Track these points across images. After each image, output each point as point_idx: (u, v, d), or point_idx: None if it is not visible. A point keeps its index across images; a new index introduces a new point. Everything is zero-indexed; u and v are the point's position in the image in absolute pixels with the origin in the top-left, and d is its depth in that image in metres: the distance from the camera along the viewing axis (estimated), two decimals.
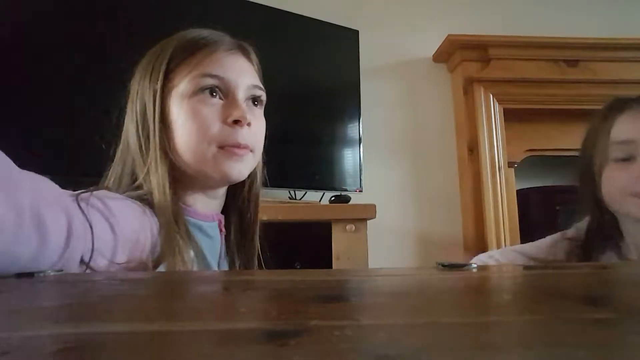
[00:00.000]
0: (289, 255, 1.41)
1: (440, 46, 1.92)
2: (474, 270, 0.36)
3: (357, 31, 1.76)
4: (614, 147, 0.79)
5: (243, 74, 0.64)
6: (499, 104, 1.87)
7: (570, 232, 0.88)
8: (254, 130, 0.63)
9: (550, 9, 2.09)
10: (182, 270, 0.56)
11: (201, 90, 0.60)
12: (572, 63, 1.88)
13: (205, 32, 0.65)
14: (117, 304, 0.25)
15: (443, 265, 0.37)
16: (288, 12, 1.62)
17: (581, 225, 0.87)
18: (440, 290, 0.28)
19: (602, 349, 0.16)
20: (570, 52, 1.88)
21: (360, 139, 1.70)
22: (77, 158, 1.30)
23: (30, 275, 0.35)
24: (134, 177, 0.61)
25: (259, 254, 0.71)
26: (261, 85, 0.68)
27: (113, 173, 0.63)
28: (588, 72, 1.86)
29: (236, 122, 0.60)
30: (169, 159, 0.59)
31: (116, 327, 0.19)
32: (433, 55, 1.97)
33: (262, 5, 1.59)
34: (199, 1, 1.50)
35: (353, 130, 1.71)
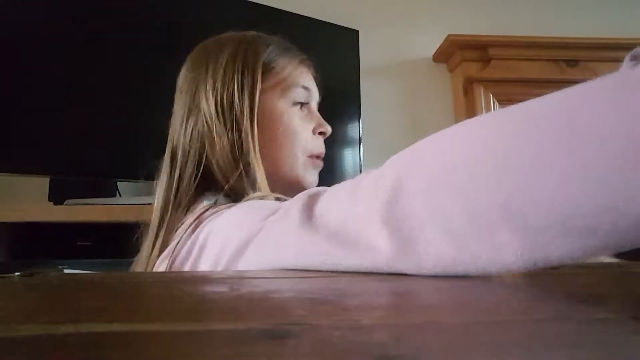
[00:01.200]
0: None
1: (440, 46, 1.92)
2: None
3: (357, 31, 1.77)
4: None
5: (316, 88, 0.66)
6: (499, 104, 1.87)
7: None
8: None
9: (550, 9, 2.09)
10: (181, 270, 0.56)
11: (295, 100, 0.61)
12: (572, 63, 1.89)
13: (290, 44, 0.66)
14: (118, 304, 0.25)
15: None
16: (288, 12, 1.62)
17: None
18: (441, 290, 0.28)
19: (602, 349, 0.16)
20: (570, 52, 1.88)
21: (360, 139, 1.70)
22: (77, 158, 1.30)
23: (30, 275, 0.35)
24: (208, 182, 0.57)
25: None
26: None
27: (182, 177, 0.57)
28: (588, 72, 1.86)
29: (321, 133, 0.63)
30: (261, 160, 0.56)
31: (116, 327, 0.19)
32: (433, 55, 1.97)
33: (262, 5, 1.59)
34: (199, 1, 1.50)
35: (353, 130, 1.71)
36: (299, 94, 0.61)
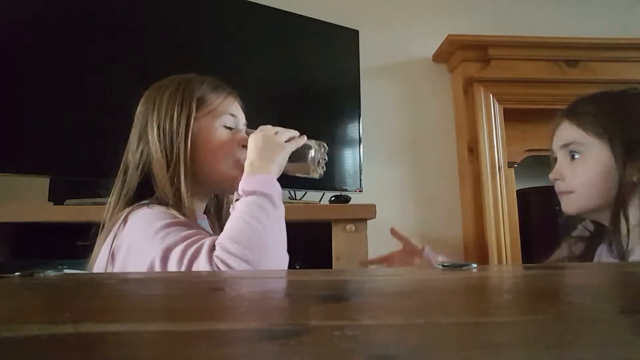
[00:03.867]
0: (289, 255, 1.41)
1: (440, 46, 1.92)
2: (474, 270, 0.36)
3: (357, 31, 1.76)
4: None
5: (242, 116, 0.83)
6: (499, 104, 1.87)
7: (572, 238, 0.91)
8: None
9: (550, 9, 2.09)
10: (181, 270, 0.57)
11: (224, 124, 0.78)
12: (572, 63, 1.88)
13: (220, 82, 0.82)
14: (117, 304, 0.25)
15: (443, 266, 0.37)
16: (288, 12, 1.62)
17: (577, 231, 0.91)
18: (441, 290, 0.28)
19: (602, 349, 0.16)
20: (570, 52, 1.88)
21: (360, 139, 1.70)
22: (77, 158, 1.30)
23: (30, 274, 0.35)
24: (140, 190, 0.74)
25: None
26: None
27: (126, 185, 0.76)
28: (588, 72, 1.86)
29: (244, 145, 0.77)
30: (189, 172, 0.74)
31: (116, 327, 0.19)
32: (433, 55, 1.97)
33: (262, 5, 1.58)
34: (199, 1, 1.50)
35: (353, 130, 1.71)
36: (227, 120, 0.79)
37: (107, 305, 0.24)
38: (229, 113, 0.79)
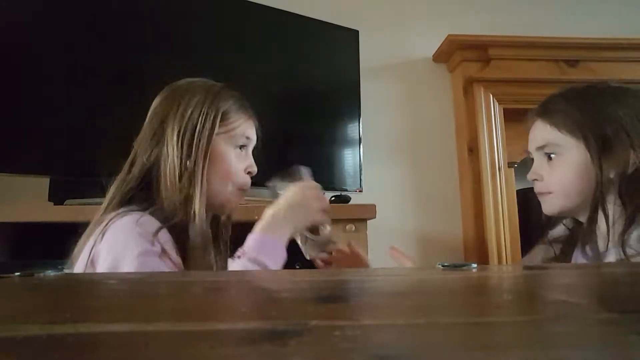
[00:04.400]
0: (289, 256, 1.41)
1: (440, 46, 1.92)
2: (474, 270, 0.36)
3: (357, 31, 1.76)
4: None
5: (254, 135, 0.82)
6: (499, 104, 1.87)
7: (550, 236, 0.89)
8: None
9: (550, 9, 2.09)
10: (181, 271, 0.57)
11: (240, 145, 0.78)
12: (572, 63, 1.88)
13: (244, 101, 0.81)
14: (117, 304, 0.25)
15: (443, 266, 0.37)
16: (288, 12, 1.62)
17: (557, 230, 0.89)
18: (441, 290, 0.28)
19: (602, 349, 0.16)
20: (570, 52, 1.88)
21: (360, 139, 1.70)
22: (77, 158, 1.30)
23: (30, 275, 0.35)
24: (146, 195, 0.71)
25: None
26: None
27: (126, 184, 0.72)
28: (588, 72, 1.86)
29: (249, 172, 0.79)
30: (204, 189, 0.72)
31: (116, 327, 0.19)
32: (433, 55, 1.97)
33: (262, 5, 1.58)
34: (199, 1, 1.50)
35: (353, 130, 1.71)
36: (241, 141, 0.78)
37: (107, 305, 0.24)
38: (245, 135, 0.78)
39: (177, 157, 0.70)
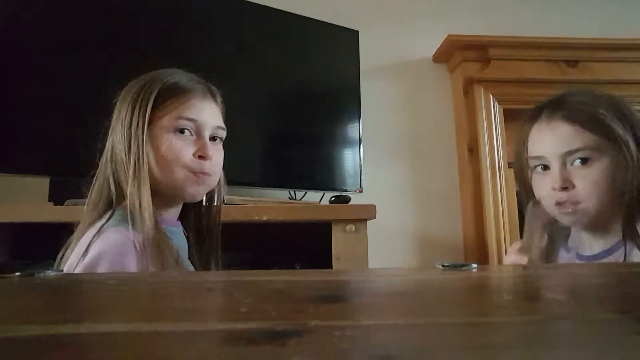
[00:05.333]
0: (289, 256, 1.41)
1: (440, 46, 1.92)
2: (474, 270, 0.36)
3: (357, 31, 1.76)
4: (531, 161, 0.82)
5: (211, 117, 0.77)
6: (499, 104, 1.86)
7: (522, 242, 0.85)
8: (215, 161, 0.77)
9: (550, 9, 2.09)
10: (182, 271, 0.57)
11: (179, 129, 0.74)
12: (572, 63, 1.88)
13: (184, 78, 0.77)
14: (117, 304, 0.25)
15: (443, 266, 0.37)
16: (288, 12, 1.62)
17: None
18: (441, 290, 0.28)
19: (602, 349, 0.16)
20: (570, 52, 1.88)
21: (360, 139, 1.70)
22: (77, 158, 1.30)
23: (30, 275, 0.35)
24: (110, 199, 0.74)
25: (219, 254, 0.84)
26: (223, 126, 0.80)
27: (98, 194, 0.77)
28: (588, 72, 1.86)
29: (201, 156, 0.75)
30: (148, 181, 0.71)
31: (116, 327, 0.19)
32: (433, 56, 1.97)
33: (262, 5, 1.58)
34: (199, 1, 1.50)
35: (353, 130, 1.71)
36: (179, 124, 0.74)
37: (107, 305, 0.24)
38: (184, 117, 0.74)
39: (125, 153, 0.72)
